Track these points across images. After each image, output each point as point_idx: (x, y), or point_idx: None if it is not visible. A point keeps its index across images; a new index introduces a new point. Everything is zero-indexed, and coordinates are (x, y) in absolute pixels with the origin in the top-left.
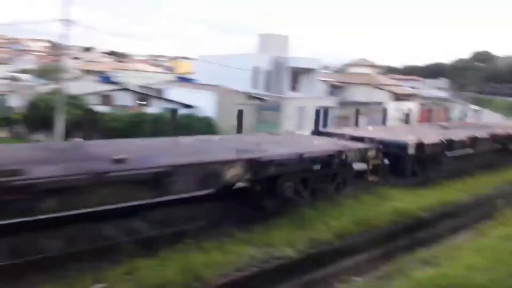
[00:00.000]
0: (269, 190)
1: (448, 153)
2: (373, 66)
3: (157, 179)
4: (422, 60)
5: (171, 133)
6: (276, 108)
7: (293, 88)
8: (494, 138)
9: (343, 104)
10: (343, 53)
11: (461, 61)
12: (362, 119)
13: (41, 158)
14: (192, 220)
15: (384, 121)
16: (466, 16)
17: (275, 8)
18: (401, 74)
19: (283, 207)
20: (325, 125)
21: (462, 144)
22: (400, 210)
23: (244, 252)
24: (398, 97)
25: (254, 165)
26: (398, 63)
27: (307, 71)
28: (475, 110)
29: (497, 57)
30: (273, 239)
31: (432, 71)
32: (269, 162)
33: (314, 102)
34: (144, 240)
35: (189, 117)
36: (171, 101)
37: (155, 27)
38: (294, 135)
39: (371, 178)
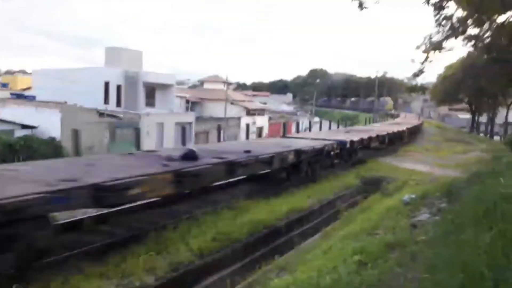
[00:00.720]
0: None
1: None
2: (225, 82)
3: (270, 160)
4: (267, 77)
5: (4, 157)
6: (132, 125)
7: (149, 104)
8: (378, 137)
9: (201, 119)
10: (196, 69)
11: (299, 78)
12: (219, 133)
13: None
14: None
15: (247, 135)
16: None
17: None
18: (250, 90)
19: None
20: (184, 141)
21: (365, 141)
22: (257, 221)
23: None
24: (250, 112)
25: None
26: (246, 80)
27: (163, 86)
28: (316, 122)
29: (331, 74)
30: (131, 268)
31: (277, 87)
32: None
33: (172, 118)
34: None
35: (27, 138)
36: (5, 122)
37: None
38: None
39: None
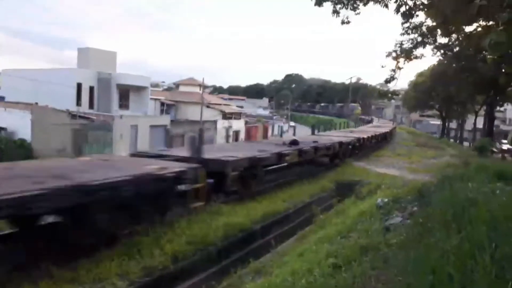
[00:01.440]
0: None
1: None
2: (201, 85)
3: (315, 150)
4: (243, 81)
5: None
6: (105, 127)
7: (123, 106)
8: (376, 136)
9: (177, 122)
10: (172, 72)
11: (276, 82)
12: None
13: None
14: None
15: (227, 138)
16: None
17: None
18: (226, 93)
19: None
20: (160, 144)
21: (370, 138)
22: (233, 225)
23: None
24: (226, 116)
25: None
26: (223, 83)
27: (137, 88)
28: (292, 126)
29: (306, 79)
30: (103, 273)
31: (253, 91)
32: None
33: (147, 121)
34: None
35: None
36: None
37: None
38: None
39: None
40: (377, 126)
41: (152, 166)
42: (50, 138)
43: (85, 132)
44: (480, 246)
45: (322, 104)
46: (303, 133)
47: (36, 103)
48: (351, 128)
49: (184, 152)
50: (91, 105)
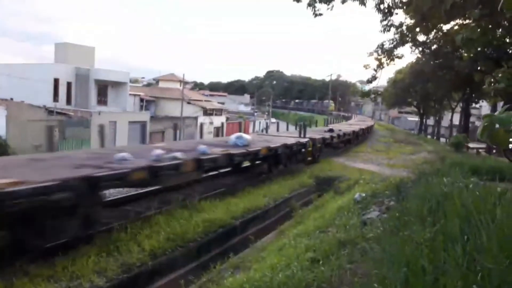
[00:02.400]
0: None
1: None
2: (181, 81)
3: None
4: (224, 77)
5: None
6: (83, 123)
7: (102, 102)
8: (364, 129)
9: (157, 118)
10: (152, 68)
11: (257, 78)
12: (176, 133)
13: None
14: None
15: (201, 134)
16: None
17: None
18: (207, 89)
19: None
20: (143, 140)
21: (361, 130)
22: (212, 221)
23: None
24: (208, 112)
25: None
26: (204, 79)
27: (116, 84)
28: (273, 122)
29: (287, 76)
30: (80, 270)
31: (234, 87)
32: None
33: (126, 117)
34: None
35: None
36: None
37: None
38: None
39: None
40: (363, 121)
41: (292, 139)
42: (26, 134)
43: (62, 128)
44: (453, 238)
45: (297, 101)
46: (284, 129)
47: (11, 99)
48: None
49: (289, 134)
50: (68, 101)
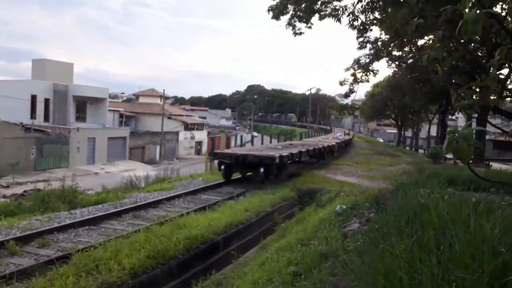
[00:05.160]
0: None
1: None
2: (161, 96)
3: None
4: (205, 91)
5: None
6: (61, 140)
7: (80, 118)
8: (347, 140)
9: (137, 134)
10: (131, 83)
11: (238, 93)
12: (156, 148)
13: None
14: None
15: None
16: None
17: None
18: (188, 104)
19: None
20: (123, 156)
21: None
22: (194, 237)
23: None
24: (189, 127)
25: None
26: (184, 94)
27: (95, 100)
28: (255, 136)
29: (268, 90)
30: None
31: (215, 102)
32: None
33: (105, 133)
34: None
35: None
36: None
37: None
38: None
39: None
40: (345, 134)
41: (332, 140)
42: (2, 152)
43: (40, 145)
44: (428, 249)
45: (261, 114)
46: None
47: None
48: (321, 136)
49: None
50: (46, 118)
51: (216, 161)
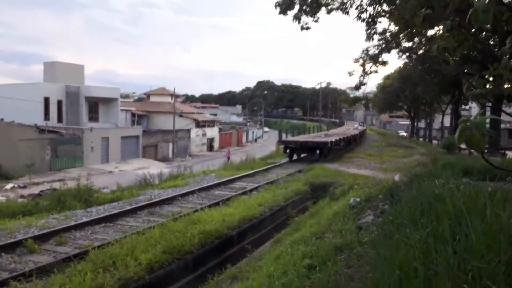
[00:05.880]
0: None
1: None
2: (172, 94)
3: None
4: (216, 89)
5: None
6: (75, 141)
7: (93, 118)
8: (362, 131)
9: (149, 133)
10: (142, 83)
11: (247, 89)
12: (169, 146)
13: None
14: None
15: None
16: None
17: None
18: (198, 102)
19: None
20: (136, 154)
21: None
22: (209, 232)
23: None
24: (200, 124)
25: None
26: (195, 92)
27: (107, 100)
28: (266, 131)
29: (278, 85)
30: (77, 287)
31: (226, 99)
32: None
33: (118, 133)
34: None
35: None
36: None
37: None
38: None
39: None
40: (358, 127)
41: (353, 131)
42: (18, 153)
43: (54, 146)
44: (444, 240)
45: (268, 110)
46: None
47: (2, 119)
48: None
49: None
50: (59, 119)
51: (282, 146)
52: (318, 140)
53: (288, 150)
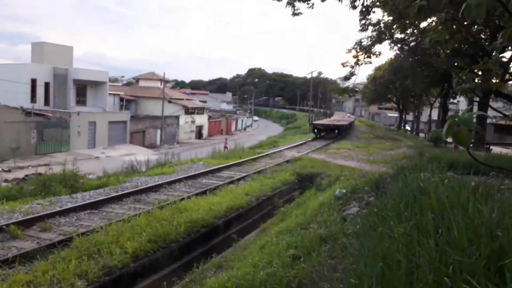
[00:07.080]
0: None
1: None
2: (162, 80)
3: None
4: (206, 75)
5: None
6: (62, 124)
7: (81, 102)
8: (351, 122)
9: (137, 118)
10: (131, 67)
11: (238, 76)
12: (157, 132)
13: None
14: None
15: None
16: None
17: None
18: (188, 88)
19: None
20: (123, 140)
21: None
22: (195, 221)
23: None
24: (189, 111)
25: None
26: (185, 77)
27: (95, 83)
28: (255, 120)
29: (269, 74)
30: (60, 273)
31: (216, 86)
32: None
33: (106, 117)
34: None
35: None
36: None
37: None
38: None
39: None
40: (349, 117)
41: (348, 118)
42: (3, 136)
43: (40, 129)
44: (427, 233)
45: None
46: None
47: None
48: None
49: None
50: (46, 102)
51: (311, 127)
52: (337, 123)
53: (315, 130)
